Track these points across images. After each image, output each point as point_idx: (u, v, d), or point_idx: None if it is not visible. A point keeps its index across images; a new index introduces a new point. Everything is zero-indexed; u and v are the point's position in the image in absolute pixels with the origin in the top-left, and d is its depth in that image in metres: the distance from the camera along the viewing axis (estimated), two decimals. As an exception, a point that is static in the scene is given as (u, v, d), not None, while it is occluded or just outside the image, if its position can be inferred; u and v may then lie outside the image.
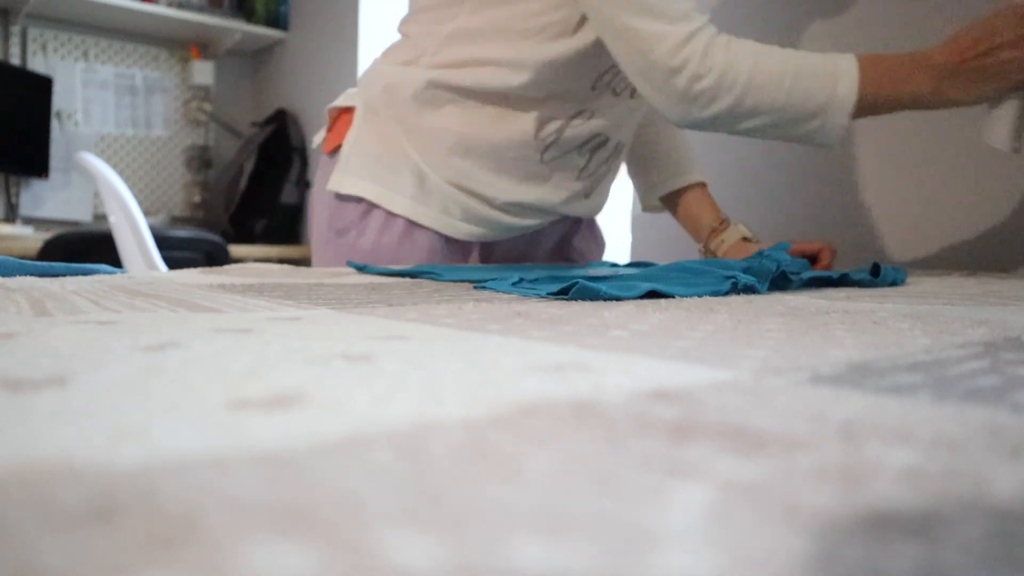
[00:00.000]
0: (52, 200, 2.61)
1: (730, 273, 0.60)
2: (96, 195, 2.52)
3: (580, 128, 0.96)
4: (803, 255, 0.95)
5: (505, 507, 0.12)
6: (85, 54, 2.70)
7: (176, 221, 2.87)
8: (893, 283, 0.72)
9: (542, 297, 0.51)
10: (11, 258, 0.59)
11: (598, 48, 0.87)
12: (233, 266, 0.76)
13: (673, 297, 0.52)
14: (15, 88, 2.42)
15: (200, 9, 2.69)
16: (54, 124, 2.60)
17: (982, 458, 0.15)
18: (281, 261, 1.80)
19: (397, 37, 1.01)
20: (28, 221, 2.52)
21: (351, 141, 0.98)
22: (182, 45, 2.86)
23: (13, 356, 0.24)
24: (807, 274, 0.68)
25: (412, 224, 0.96)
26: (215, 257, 1.95)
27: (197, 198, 2.89)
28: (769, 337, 0.32)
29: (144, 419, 0.16)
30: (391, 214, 0.96)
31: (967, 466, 0.14)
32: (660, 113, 0.87)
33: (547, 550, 0.10)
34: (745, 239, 1.04)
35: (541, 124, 0.94)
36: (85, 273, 0.61)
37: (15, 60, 2.55)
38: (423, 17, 0.95)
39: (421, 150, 0.95)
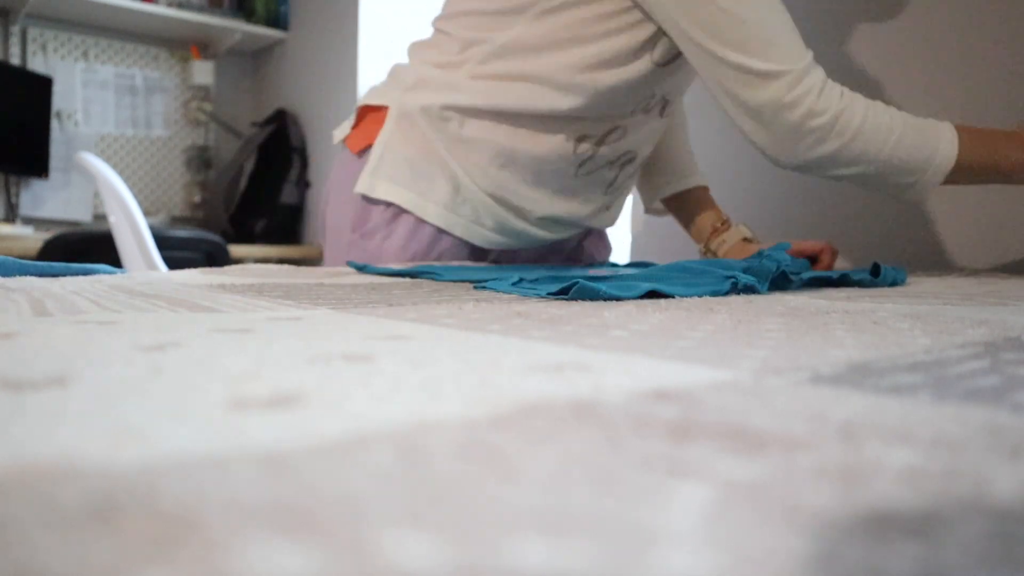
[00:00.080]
0: (52, 200, 2.61)
1: (730, 273, 0.60)
2: (96, 195, 2.51)
3: (614, 145, 0.96)
4: (803, 255, 0.95)
5: (505, 507, 0.12)
6: (85, 54, 2.70)
7: (176, 221, 2.87)
8: (893, 283, 0.72)
9: (542, 297, 0.51)
10: (11, 258, 0.59)
11: (655, 76, 0.87)
12: (233, 266, 0.76)
13: (673, 297, 0.52)
14: (15, 88, 2.42)
15: (200, 9, 2.69)
16: (54, 124, 2.60)
17: (982, 458, 0.15)
18: (281, 261, 1.80)
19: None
20: (28, 221, 2.52)
21: (383, 143, 0.94)
22: (182, 45, 2.86)
23: (13, 356, 0.24)
24: (807, 274, 0.68)
25: (441, 231, 0.95)
26: (215, 257, 1.95)
27: (197, 198, 2.89)
28: (769, 337, 0.32)
29: (144, 419, 0.16)
30: (421, 220, 0.94)
31: (967, 466, 0.14)
32: (760, 151, 0.85)
33: (547, 550, 0.10)
34: (746, 240, 1.04)
35: (578, 141, 0.94)
36: (85, 273, 0.61)
37: (15, 60, 2.55)
38: (471, 22, 0.91)
39: (460, 159, 0.93)
